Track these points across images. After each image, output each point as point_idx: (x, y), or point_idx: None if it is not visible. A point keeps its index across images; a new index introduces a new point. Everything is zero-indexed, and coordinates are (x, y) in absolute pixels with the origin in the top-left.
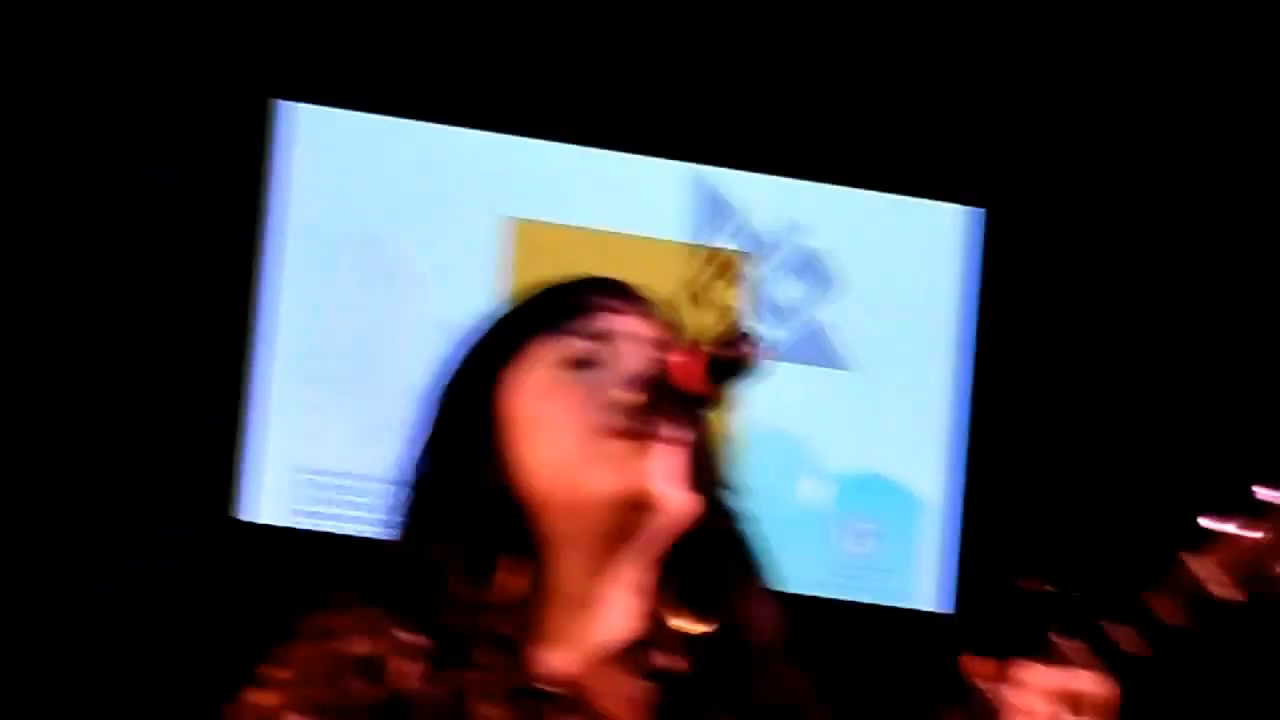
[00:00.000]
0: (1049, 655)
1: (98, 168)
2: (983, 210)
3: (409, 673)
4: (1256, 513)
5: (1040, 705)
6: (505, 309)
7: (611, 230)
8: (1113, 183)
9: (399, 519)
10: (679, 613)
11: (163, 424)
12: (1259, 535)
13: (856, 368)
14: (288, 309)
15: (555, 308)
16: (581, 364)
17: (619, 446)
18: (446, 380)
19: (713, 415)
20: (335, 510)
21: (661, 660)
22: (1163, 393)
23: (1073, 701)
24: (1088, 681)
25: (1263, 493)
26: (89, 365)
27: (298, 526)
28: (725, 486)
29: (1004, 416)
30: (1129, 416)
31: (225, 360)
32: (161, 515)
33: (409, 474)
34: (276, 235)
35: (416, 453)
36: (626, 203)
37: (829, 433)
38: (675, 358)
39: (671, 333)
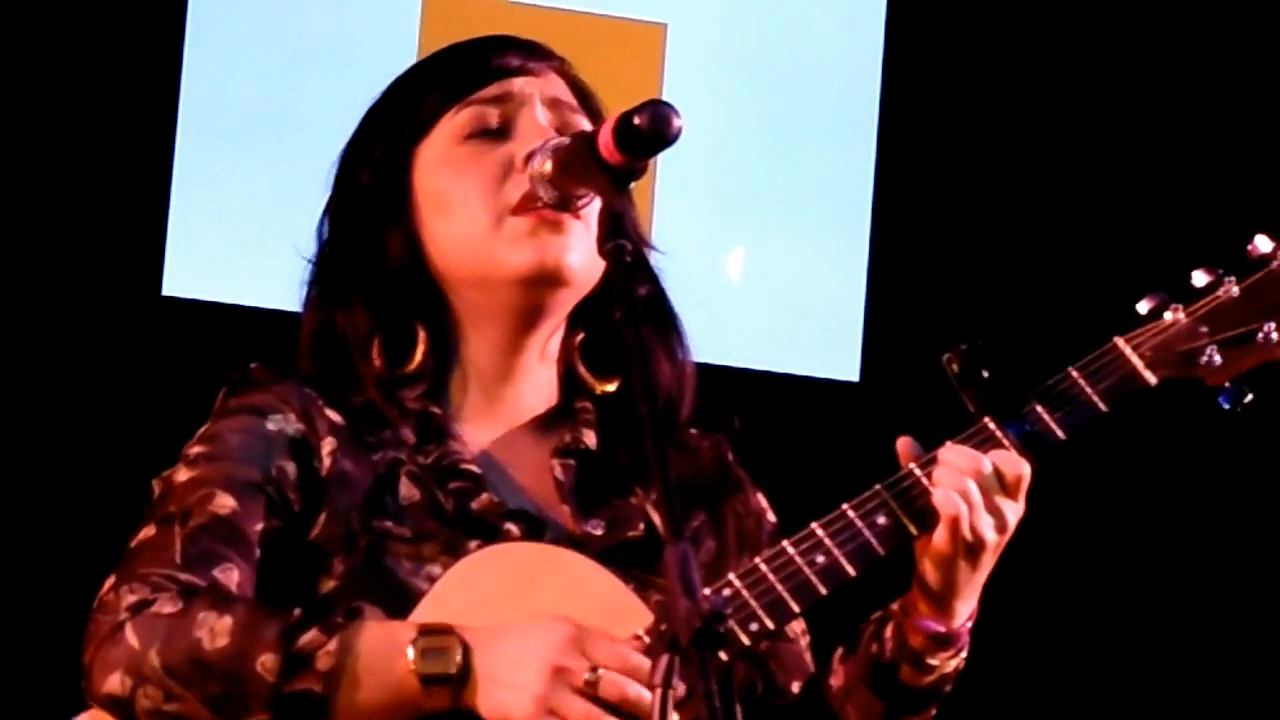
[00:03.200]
0: (968, 430)
1: None
2: None
3: (336, 452)
4: (1188, 298)
5: (964, 484)
6: (408, 75)
7: (527, 2)
8: None
9: (312, 293)
10: (589, 374)
11: (90, 202)
12: (1187, 320)
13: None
14: (199, 84)
15: (459, 74)
16: (489, 133)
17: (530, 222)
18: (355, 156)
19: (627, 183)
20: (253, 284)
21: (573, 434)
22: (1093, 162)
23: (994, 480)
24: (1008, 461)
25: (1198, 275)
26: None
27: (218, 300)
28: (638, 254)
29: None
30: (1055, 186)
31: (147, 138)
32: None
33: (321, 248)
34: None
35: (328, 227)
36: None
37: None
38: (588, 125)
39: (583, 96)
